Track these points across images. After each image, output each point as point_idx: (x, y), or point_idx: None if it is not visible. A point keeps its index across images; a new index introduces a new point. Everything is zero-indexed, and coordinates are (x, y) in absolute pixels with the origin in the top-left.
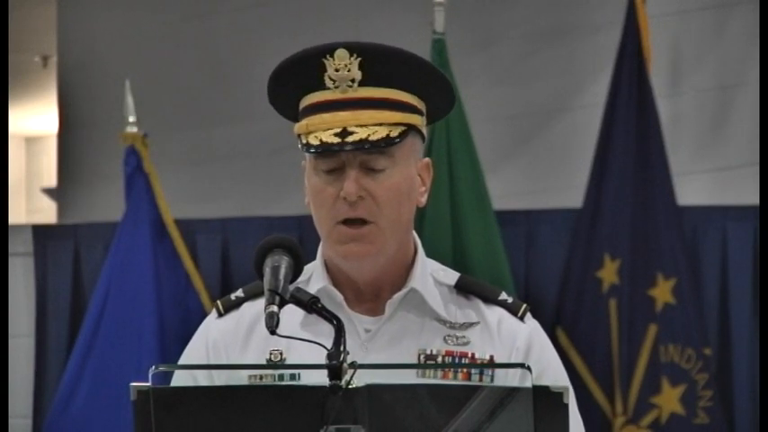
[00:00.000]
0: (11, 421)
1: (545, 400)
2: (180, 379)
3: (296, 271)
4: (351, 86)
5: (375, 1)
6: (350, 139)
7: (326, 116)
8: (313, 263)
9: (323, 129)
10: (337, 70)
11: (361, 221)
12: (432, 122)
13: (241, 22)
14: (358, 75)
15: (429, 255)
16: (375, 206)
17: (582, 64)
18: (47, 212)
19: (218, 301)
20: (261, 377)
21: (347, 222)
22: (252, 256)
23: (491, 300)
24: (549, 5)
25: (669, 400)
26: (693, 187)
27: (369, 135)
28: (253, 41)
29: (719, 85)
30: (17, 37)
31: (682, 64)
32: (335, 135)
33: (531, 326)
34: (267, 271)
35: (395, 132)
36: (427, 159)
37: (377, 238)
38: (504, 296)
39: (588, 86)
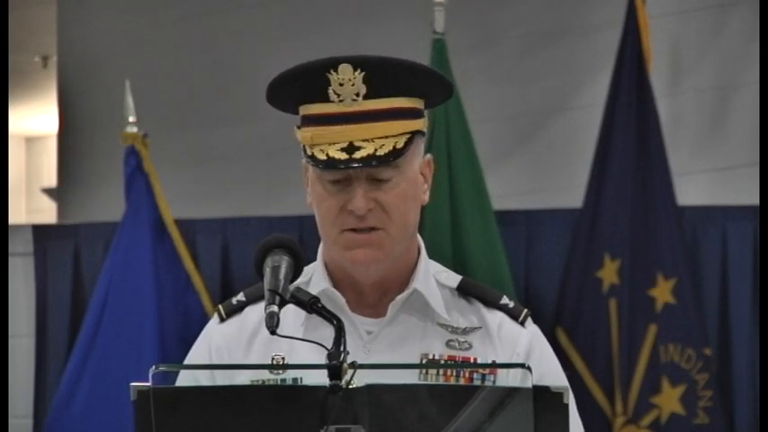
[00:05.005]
0: (11, 421)
1: (545, 401)
2: (182, 383)
3: (296, 271)
4: (355, 100)
5: (375, 1)
6: (357, 155)
7: (332, 129)
8: (313, 264)
9: (329, 142)
10: (341, 84)
11: (370, 228)
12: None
13: (241, 22)
14: (362, 89)
15: (429, 255)
16: (384, 214)
17: (582, 64)
18: (47, 212)
19: (220, 306)
20: (263, 383)
21: (355, 230)
22: (252, 256)
23: (492, 304)
24: (549, 5)
25: (669, 400)
26: (693, 187)
27: (376, 150)
28: (253, 42)
29: (719, 84)
30: (17, 37)
31: (682, 64)
32: (342, 150)
33: (532, 331)
34: (267, 271)
35: (401, 143)
36: (428, 156)
37: (385, 243)
38: (505, 300)
39: (588, 86)
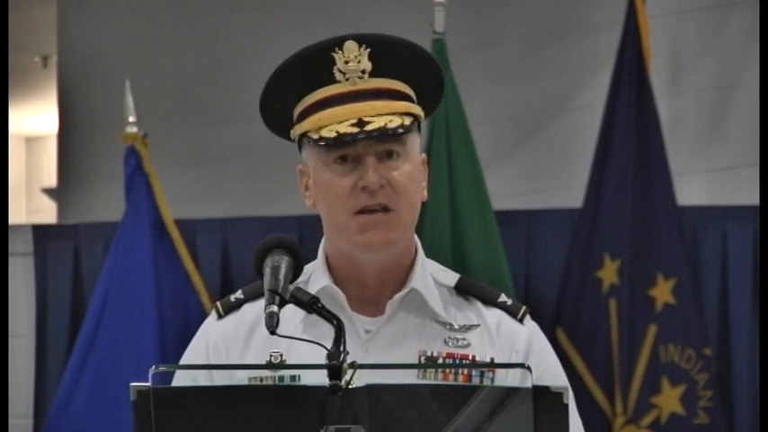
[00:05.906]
0: (11, 421)
1: (545, 400)
2: (180, 381)
3: (296, 271)
4: (361, 78)
5: (375, 1)
6: (369, 128)
7: (341, 108)
8: (312, 263)
9: (338, 121)
10: (347, 62)
11: (383, 209)
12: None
13: (241, 21)
14: (368, 66)
15: (429, 255)
16: (394, 193)
17: (582, 64)
18: (47, 212)
19: (218, 303)
20: (261, 379)
21: (365, 212)
22: (252, 256)
23: (491, 301)
24: (549, 5)
25: (669, 400)
26: (693, 187)
27: (386, 123)
28: (253, 41)
29: (719, 84)
30: (17, 37)
31: (681, 64)
32: (353, 125)
33: (531, 328)
34: (267, 271)
35: (407, 121)
36: (423, 155)
37: (397, 225)
38: (503, 298)
39: (588, 86)
